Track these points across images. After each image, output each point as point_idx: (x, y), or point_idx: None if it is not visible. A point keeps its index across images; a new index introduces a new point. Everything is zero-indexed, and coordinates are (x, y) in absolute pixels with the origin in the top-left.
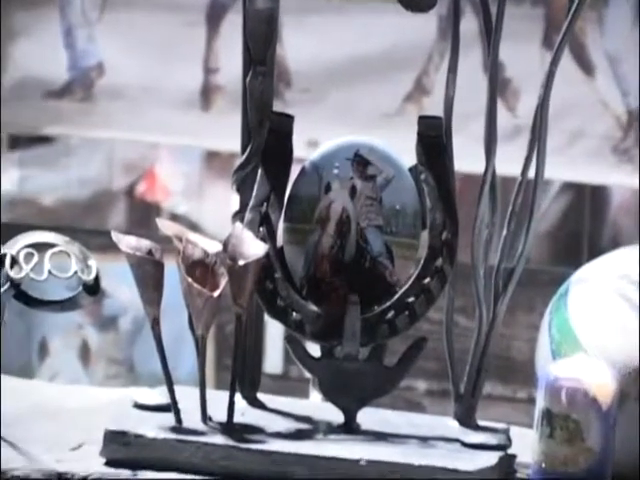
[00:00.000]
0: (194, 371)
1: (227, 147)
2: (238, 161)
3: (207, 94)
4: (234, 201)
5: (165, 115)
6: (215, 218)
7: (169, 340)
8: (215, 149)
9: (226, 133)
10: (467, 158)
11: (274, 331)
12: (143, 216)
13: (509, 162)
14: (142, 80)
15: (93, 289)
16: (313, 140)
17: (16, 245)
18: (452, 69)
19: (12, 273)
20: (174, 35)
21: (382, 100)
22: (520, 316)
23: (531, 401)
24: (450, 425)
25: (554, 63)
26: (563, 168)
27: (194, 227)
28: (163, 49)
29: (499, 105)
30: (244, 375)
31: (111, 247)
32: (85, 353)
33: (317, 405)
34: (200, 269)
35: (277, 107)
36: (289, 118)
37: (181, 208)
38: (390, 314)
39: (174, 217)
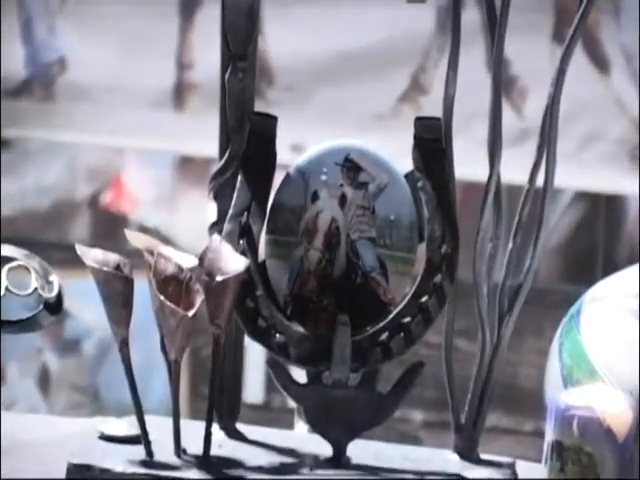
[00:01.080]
0: (166, 399)
1: (202, 151)
2: (215, 167)
3: (180, 92)
4: (211, 211)
5: (134, 116)
6: (189, 230)
7: (138, 365)
8: (189, 154)
9: (201, 136)
10: (469, 164)
11: (254, 355)
12: (108, 228)
13: (515, 168)
14: (108, 77)
15: (55, 308)
16: (298, 144)
17: None
18: (452, 65)
19: None
20: (144, 27)
21: (374, 100)
22: (527, 340)
23: (538, 433)
24: (450, 459)
25: (565, 59)
26: (575, 175)
27: (166, 240)
28: (132, 43)
29: (504, 106)
30: (222, 403)
31: (74, 262)
32: (45, 380)
33: (303, 437)
34: (173, 286)
35: (258, 107)
36: (272, 119)
37: (151, 219)
38: (384, 336)
39: (143, 229)
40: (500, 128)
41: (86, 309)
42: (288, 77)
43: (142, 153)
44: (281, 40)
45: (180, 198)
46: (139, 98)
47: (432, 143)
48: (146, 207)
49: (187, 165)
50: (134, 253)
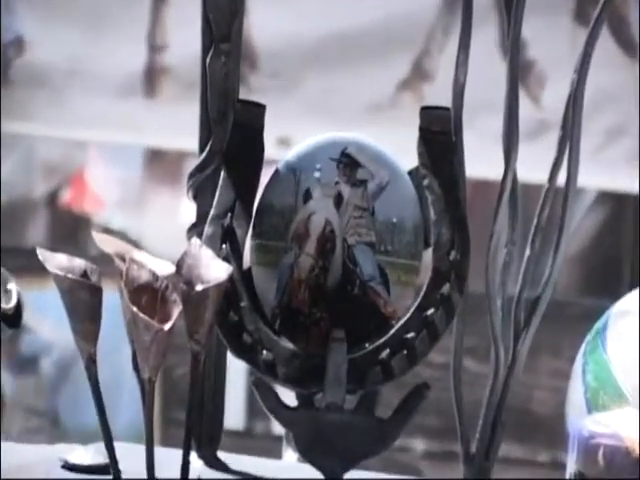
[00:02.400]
0: (134, 424)
1: (177, 145)
2: (194, 162)
3: (152, 78)
4: (189, 212)
5: (98, 105)
6: (161, 234)
7: (106, 384)
8: (162, 147)
9: (176, 127)
10: (481, 160)
11: (236, 375)
12: (69, 231)
13: (533, 165)
14: (71, 60)
15: (13, 320)
16: (284, 137)
17: None
18: (463, 47)
19: None
20: (111, 5)
21: (371, 88)
22: (545, 359)
23: (555, 465)
24: None
25: (589, 42)
26: (600, 173)
27: (135, 245)
28: (97, 22)
29: (521, 94)
30: (201, 429)
31: (32, 269)
32: None
33: (292, 466)
34: (147, 296)
35: (241, 95)
36: (259, 108)
37: (117, 221)
38: (384, 354)
39: (108, 233)
40: (516, 120)
41: (44, 322)
42: (273, 61)
43: (108, 147)
44: (265, 19)
45: (151, 197)
46: (105, 84)
47: (440, 136)
48: (112, 207)
49: (159, 160)
50: (101, 259)
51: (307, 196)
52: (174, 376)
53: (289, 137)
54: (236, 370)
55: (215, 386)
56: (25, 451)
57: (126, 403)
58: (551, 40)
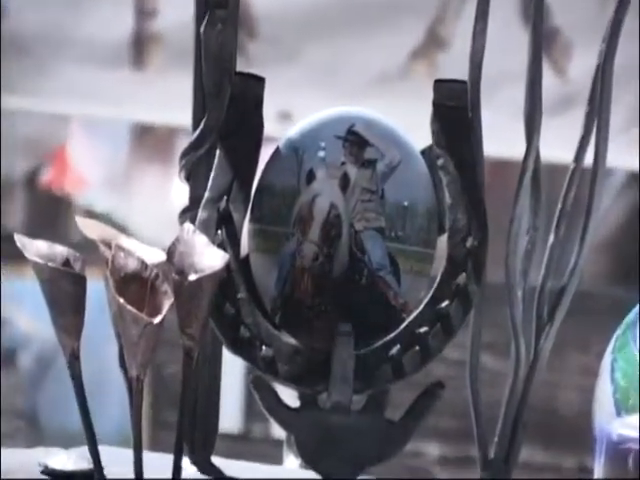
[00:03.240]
0: (121, 426)
1: (168, 120)
2: (188, 139)
3: (140, 46)
4: (181, 194)
5: (82, 76)
6: (150, 218)
7: (90, 383)
8: (150, 123)
9: (167, 100)
10: (500, 138)
11: (232, 373)
12: (49, 215)
13: (558, 144)
14: (52, 28)
15: None
16: (285, 112)
17: None
18: (481, 13)
19: None
20: None
21: (380, 57)
22: (569, 356)
23: (582, 471)
24: None
25: (620, 8)
26: (630, 153)
27: (122, 230)
28: None
29: (545, 66)
30: (194, 432)
31: (9, 256)
32: None
33: (294, 473)
34: (135, 286)
35: (239, 66)
36: (259, 81)
37: (102, 204)
38: (394, 350)
39: (92, 216)
40: (540, 93)
41: (23, 313)
42: (274, 29)
43: (92, 122)
44: None
45: (139, 178)
46: (89, 53)
47: (455, 111)
48: (96, 189)
49: (148, 137)
50: (85, 246)
51: (310, 177)
52: (165, 374)
53: (291, 112)
54: (232, 368)
55: (209, 385)
56: (1, 456)
57: (112, 403)
58: (578, 6)
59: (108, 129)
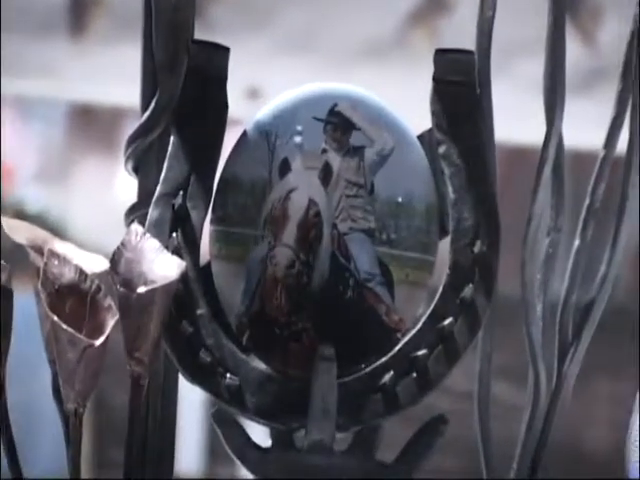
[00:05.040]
0: (57, 465)
1: (111, 99)
2: (136, 123)
3: (79, 11)
4: (128, 188)
5: (10, 45)
6: (90, 218)
7: (17, 416)
8: (91, 102)
9: (110, 75)
10: (514, 120)
11: (191, 406)
12: None
13: (585, 127)
14: None
15: None
16: (255, 88)
17: None
18: None
19: None
20: None
21: (369, 23)
22: (601, 383)
23: None
24: None
25: None
26: None
27: (57, 232)
28: None
29: (569, 34)
30: (144, 474)
31: None
32: None
33: None
34: (73, 301)
35: (198, 33)
36: (221, 51)
37: (33, 201)
38: (387, 377)
39: (21, 216)
40: (562, 67)
41: None
42: None
43: (22, 101)
44: None
45: (78, 168)
46: (20, 19)
47: (460, 88)
48: (26, 182)
49: (88, 119)
50: (12, 252)
51: (284, 168)
52: (109, 406)
53: (261, 88)
54: (191, 399)
55: (163, 419)
56: None
57: (45, 440)
58: None
59: (41, 109)
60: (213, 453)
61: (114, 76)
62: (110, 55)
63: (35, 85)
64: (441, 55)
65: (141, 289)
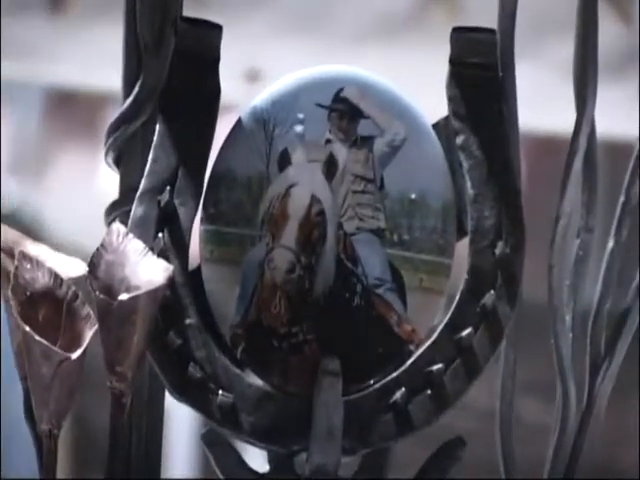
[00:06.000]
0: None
1: (92, 83)
2: (118, 110)
3: None
4: (109, 183)
5: None
6: (67, 216)
7: None
8: (70, 86)
9: (90, 56)
10: (541, 107)
11: (179, 426)
12: None
13: (620, 115)
14: None
15: None
16: (252, 71)
17: None
18: None
19: None
20: None
21: None
22: (637, 402)
23: None
24: None
25: None
26: None
27: (32, 232)
28: None
29: (602, 9)
30: None
31: None
32: None
33: None
34: (47, 309)
35: (188, 10)
36: (214, 30)
37: (5, 197)
38: (398, 394)
39: None
40: (595, 47)
41: None
42: None
43: None
44: None
45: (54, 160)
46: None
47: (481, 71)
48: None
49: (67, 105)
50: None
51: (284, 161)
52: (90, 426)
53: (259, 71)
54: (180, 418)
55: (148, 441)
56: None
57: (17, 464)
58: None
59: (16, 94)
60: (204, 478)
61: (96, 58)
62: (91, 35)
63: (9, 67)
64: (459, 34)
65: (123, 296)
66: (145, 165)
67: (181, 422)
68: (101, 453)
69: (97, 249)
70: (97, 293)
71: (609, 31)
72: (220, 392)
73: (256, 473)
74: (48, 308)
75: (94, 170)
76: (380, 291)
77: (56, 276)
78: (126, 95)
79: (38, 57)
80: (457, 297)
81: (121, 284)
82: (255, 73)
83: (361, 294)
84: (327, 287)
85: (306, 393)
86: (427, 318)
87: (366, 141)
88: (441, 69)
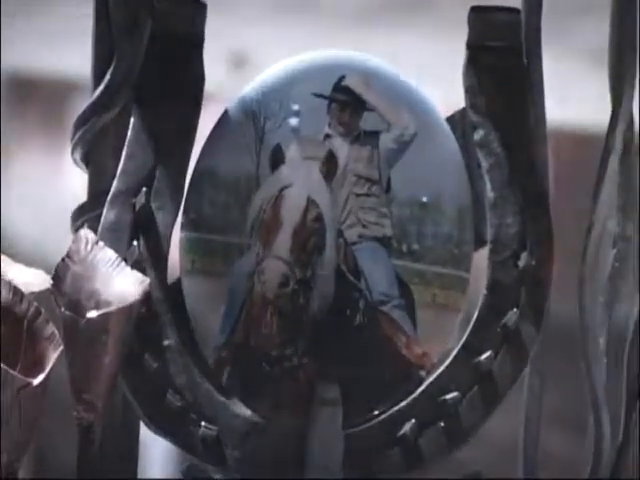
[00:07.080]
0: None
1: (55, 70)
2: (87, 101)
3: None
4: (76, 183)
5: None
6: (28, 221)
7: None
8: (30, 74)
9: (55, 38)
10: (572, 99)
11: (156, 459)
12: None
13: None
14: None
15: None
16: (239, 55)
17: None
18: None
19: None
20: None
21: None
22: None
23: None
24: None
25: None
26: None
27: None
28: None
29: None
30: None
31: None
32: None
33: None
34: (6, 327)
35: None
36: (197, 8)
37: None
38: (407, 427)
39: None
40: (633, 30)
41: None
42: None
43: None
44: None
45: (14, 156)
46: None
47: (502, 57)
48: None
49: (27, 96)
50: None
51: (276, 158)
52: (52, 462)
53: (247, 55)
54: (157, 451)
55: (120, 477)
56: None
57: None
58: None
59: None
60: None
61: (60, 40)
62: (56, 15)
63: None
64: (478, 14)
65: (92, 313)
66: (118, 163)
67: (158, 455)
68: None
69: (62, 259)
70: (62, 310)
71: None
72: (203, 423)
73: None
74: (7, 327)
75: (59, 169)
76: (386, 308)
77: (15, 290)
78: (96, 83)
79: None
80: (475, 315)
81: (90, 299)
82: (241, 59)
83: (364, 311)
84: (325, 303)
85: (300, 424)
86: (440, 339)
87: (370, 136)
88: (455, 54)
